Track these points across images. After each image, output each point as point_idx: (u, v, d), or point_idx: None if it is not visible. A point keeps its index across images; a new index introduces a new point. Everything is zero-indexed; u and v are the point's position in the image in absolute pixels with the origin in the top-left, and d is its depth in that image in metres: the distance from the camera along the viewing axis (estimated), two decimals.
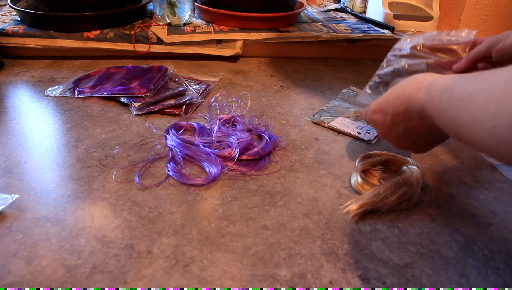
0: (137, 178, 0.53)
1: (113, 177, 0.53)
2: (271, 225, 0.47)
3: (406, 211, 0.50)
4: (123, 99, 0.72)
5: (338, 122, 0.69)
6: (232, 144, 0.58)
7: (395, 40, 1.00)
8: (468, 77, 0.36)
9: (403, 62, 0.60)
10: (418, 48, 0.60)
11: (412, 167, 0.55)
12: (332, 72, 0.94)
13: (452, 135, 0.38)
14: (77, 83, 0.78)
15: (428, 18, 1.11)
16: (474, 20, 1.07)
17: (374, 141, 0.65)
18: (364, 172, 0.55)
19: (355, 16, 1.18)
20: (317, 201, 0.51)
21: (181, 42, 0.91)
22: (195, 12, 1.05)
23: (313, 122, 0.70)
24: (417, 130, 0.46)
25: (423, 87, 0.42)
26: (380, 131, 0.51)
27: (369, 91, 0.64)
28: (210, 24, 1.00)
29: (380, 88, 0.63)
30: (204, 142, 0.59)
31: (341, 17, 1.17)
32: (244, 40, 0.95)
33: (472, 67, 0.54)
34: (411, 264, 0.43)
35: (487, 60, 0.54)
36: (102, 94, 0.74)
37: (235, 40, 0.94)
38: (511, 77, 0.30)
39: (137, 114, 0.69)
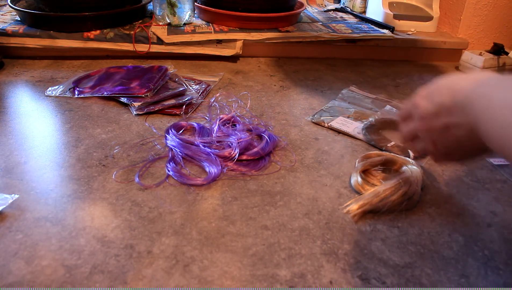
0: (137, 178, 0.53)
1: (113, 177, 0.53)
2: (271, 225, 0.47)
3: (406, 211, 0.50)
4: (123, 99, 0.72)
5: (338, 122, 0.69)
6: (232, 144, 0.58)
7: (395, 40, 1.02)
8: None
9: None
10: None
11: (412, 167, 0.55)
12: (332, 72, 0.94)
13: (492, 141, 0.34)
14: (77, 83, 0.78)
15: (428, 18, 1.11)
16: (474, 20, 1.07)
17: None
18: (364, 172, 0.55)
19: (355, 16, 1.18)
20: (317, 201, 0.51)
21: (181, 42, 0.91)
22: (195, 12, 1.05)
23: (313, 122, 0.70)
24: (455, 129, 0.41)
25: (479, 78, 0.38)
26: (419, 120, 0.45)
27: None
28: (210, 24, 1.00)
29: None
30: (204, 142, 0.59)
31: (341, 17, 1.17)
32: (244, 40, 0.95)
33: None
34: (411, 264, 0.43)
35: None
36: (102, 94, 0.74)
37: (235, 40, 0.94)
38: None
39: (137, 114, 0.69)
